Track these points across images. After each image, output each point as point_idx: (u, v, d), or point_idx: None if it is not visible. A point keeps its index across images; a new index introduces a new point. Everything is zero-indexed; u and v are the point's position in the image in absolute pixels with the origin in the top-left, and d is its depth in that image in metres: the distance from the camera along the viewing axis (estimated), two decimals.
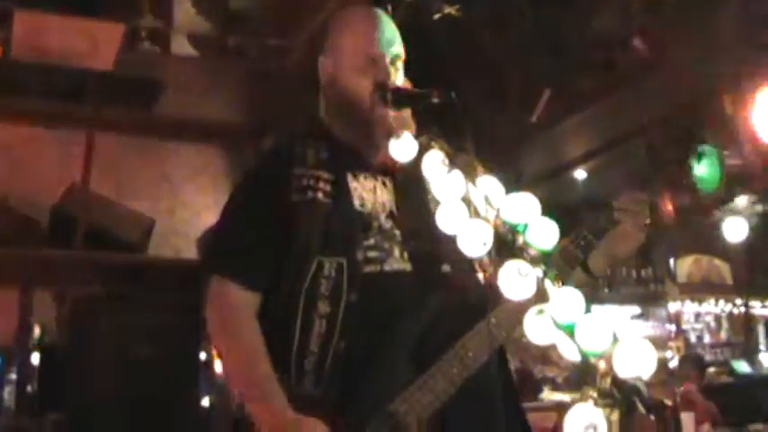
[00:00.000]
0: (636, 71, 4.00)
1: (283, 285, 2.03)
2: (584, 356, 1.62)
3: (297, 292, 2.01)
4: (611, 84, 4.15)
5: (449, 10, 3.76)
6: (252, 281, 2.04)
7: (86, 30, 4.58)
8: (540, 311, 1.70)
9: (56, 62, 4.56)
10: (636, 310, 10.87)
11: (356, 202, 2.09)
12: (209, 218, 4.82)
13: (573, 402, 1.66)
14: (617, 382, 1.62)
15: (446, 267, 2.05)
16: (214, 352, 4.59)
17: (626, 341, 1.56)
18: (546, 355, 4.27)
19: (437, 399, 1.90)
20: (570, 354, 1.68)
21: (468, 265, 1.98)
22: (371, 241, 2.06)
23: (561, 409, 4.55)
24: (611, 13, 3.98)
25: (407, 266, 2.06)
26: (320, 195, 2.06)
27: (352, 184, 2.11)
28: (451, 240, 1.90)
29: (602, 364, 1.64)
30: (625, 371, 1.54)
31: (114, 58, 4.61)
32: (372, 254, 2.05)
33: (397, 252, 2.07)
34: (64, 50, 4.53)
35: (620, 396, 1.57)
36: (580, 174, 5.11)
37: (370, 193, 2.12)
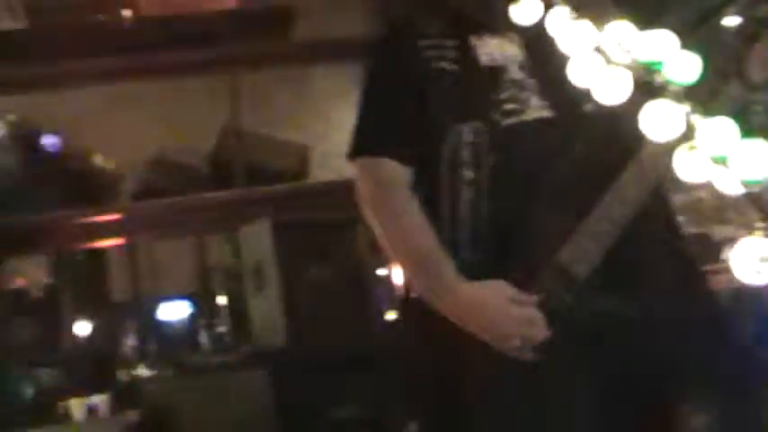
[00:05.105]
0: None
1: (426, 159, 2.02)
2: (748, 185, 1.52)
3: (440, 164, 1.99)
4: None
5: None
6: (402, 155, 2.03)
7: None
8: (692, 147, 1.60)
9: (183, 11, 4.63)
10: None
11: (483, 59, 2.05)
12: None
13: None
14: None
15: (589, 106, 1.96)
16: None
17: None
18: (722, 213, 4.08)
19: (602, 243, 1.85)
20: (729, 188, 1.58)
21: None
22: (506, 94, 2.01)
23: None
24: None
25: (547, 113, 2.01)
26: (445, 63, 2.03)
27: (476, 43, 2.07)
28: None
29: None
30: None
31: None
32: (509, 106, 2.00)
33: (534, 101, 2.01)
34: None
35: None
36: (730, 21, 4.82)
37: (496, 48, 2.06)
